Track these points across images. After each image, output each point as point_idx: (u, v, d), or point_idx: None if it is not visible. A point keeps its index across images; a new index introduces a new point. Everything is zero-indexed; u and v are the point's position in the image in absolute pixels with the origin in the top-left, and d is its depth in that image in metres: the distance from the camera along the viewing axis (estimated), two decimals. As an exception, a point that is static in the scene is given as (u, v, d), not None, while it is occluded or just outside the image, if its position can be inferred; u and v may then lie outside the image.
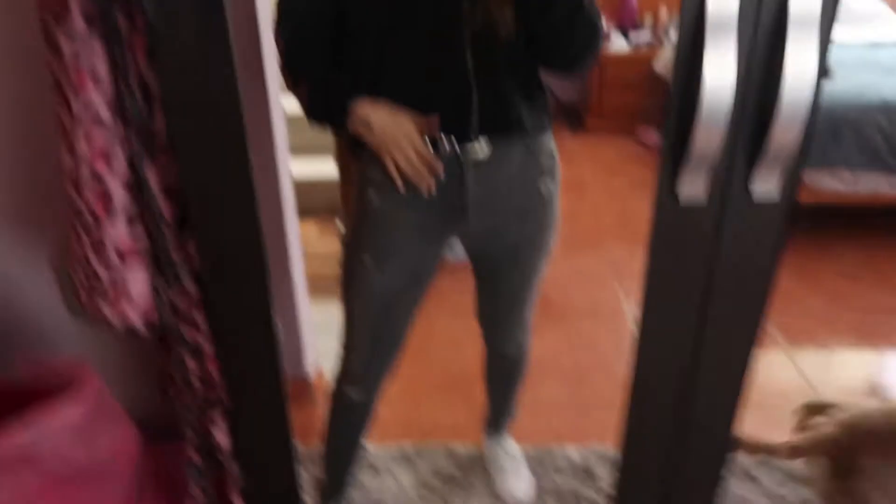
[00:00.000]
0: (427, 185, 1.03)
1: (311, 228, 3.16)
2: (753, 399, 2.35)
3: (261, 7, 1.50)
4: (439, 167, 1.02)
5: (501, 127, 1.09)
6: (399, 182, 1.04)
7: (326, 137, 2.80)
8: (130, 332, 1.12)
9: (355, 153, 1.14)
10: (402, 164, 1.00)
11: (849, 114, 2.80)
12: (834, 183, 2.94)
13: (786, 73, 0.56)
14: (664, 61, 3.42)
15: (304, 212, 2.18)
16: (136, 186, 0.73)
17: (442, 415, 1.89)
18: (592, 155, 3.75)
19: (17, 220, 1.15)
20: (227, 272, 0.69)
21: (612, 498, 0.89)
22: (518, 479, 1.81)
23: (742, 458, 1.90)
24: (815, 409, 1.99)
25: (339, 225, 3.06)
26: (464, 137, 1.06)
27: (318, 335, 2.19)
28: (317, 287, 2.59)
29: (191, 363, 0.82)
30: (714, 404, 0.77)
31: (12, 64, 1.01)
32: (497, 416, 1.82)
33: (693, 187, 0.61)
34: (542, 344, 2.27)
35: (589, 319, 2.63)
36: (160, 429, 1.20)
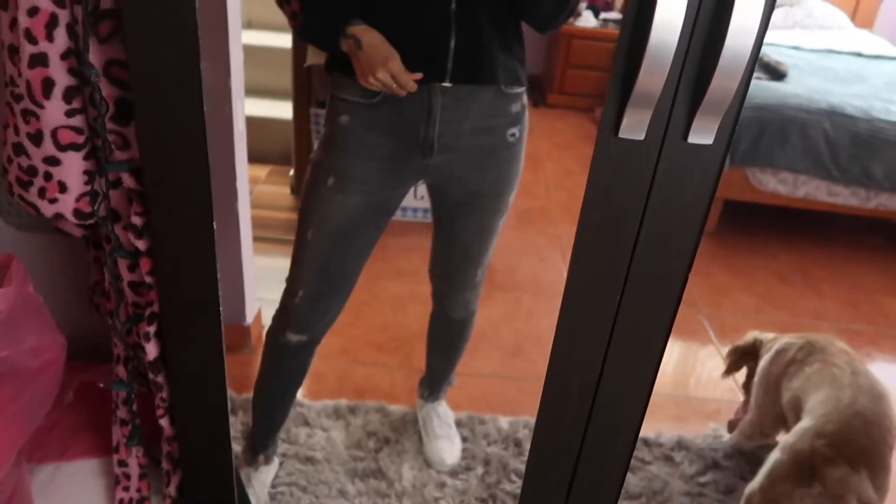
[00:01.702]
0: (404, 89, 1.07)
1: (261, 173, 3.10)
2: (680, 387, 2.44)
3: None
4: (414, 86, 1.06)
5: (475, 73, 1.12)
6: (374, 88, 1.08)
7: (284, 80, 2.74)
8: (61, 232, 1.09)
9: (333, 74, 1.17)
10: (382, 78, 1.04)
11: (797, 116, 2.89)
12: (776, 184, 3.04)
13: (732, 21, 0.58)
14: (629, 46, 3.46)
15: (257, 157, 2.14)
16: (77, 64, 0.70)
17: (379, 376, 1.89)
18: (550, 130, 3.78)
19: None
20: (168, 167, 0.67)
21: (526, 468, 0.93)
22: (450, 445, 1.83)
23: (664, 442, 1.97)
24: (740, 350, 2.05)
25: (291, 175, 3.01)
26: (437, 79, 1.09)
27: (259, 283, 2.16)
28: (261, 235, 2.56)
29: (123, 264, 0.80)
30: (634, 358, 0.80)
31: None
32: (436, 381, 1.83)
33: (634, 126, 0.63)
34: (482, 314, 2.29)
35: (530, 293, 2.67)
36: (86, 349, 1.18)
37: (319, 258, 1.27)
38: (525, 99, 1.24)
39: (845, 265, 3.09)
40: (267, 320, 2.25)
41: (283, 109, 2.86)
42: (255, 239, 2.07)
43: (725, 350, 2.06)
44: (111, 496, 1.06)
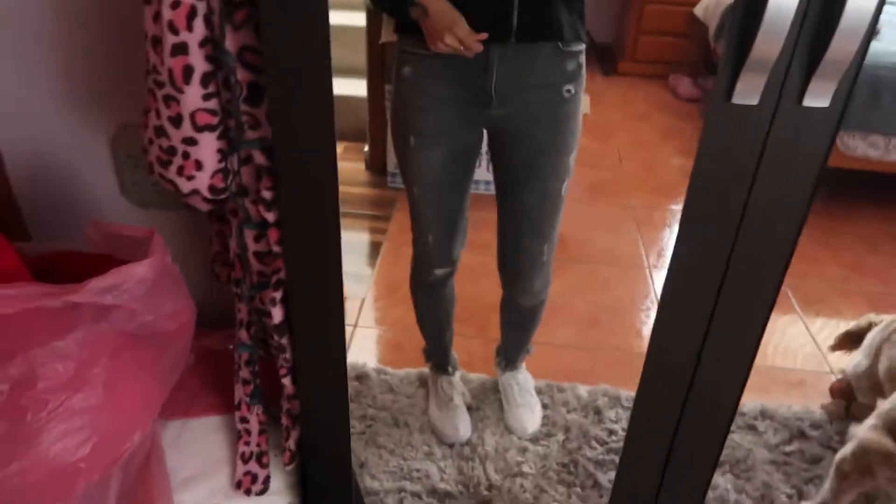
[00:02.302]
0: (471, 52, 1.14)
1: (339, 149, 3.19)
2: (763, 357, 2.40)
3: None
4: (480, 47, 1.13)
5: (539, 31, 1.18)
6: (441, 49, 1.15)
7: (359, 58, 2.80)
8: (188, 207, 1.18)
9: (400, 33, 1.26)
10: (450, 42, 1.11)
11: (890, 76, 2.75)
12: (866, 148, 2.91)
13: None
14: (705, 6, 3.35)
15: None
16: (213, 51, 0.76)
17: (456, 345, 1.95)
18: (622, 100, 3.72)
19: (77, 105, 1.19)
20: (297, 143, 0.73)
21: (624, 435, 0.96)
22: (530, 413, 1.88)
23: (746, 412, 1.96)
24: (854, 334, 2.03)
25: (366, 151, 3.08)
26: (502, 39, 1.16)
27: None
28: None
29: (250, 235, 0.87)
30: (738, 326, 0.81)
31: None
32: (511, 352, 1.89)
33: (748, 91, 0.64)
34: (556, 286, 2.31)
35: (605, 265, 2.66)
36: (203, 318, 1.27)
37: (431, 207, 1.43)
38: (582, 58, 1.28)
39: (940, 232, 2.94)
40: (348, 292, 2.34)
41: (357, 87, 2.93)
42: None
43: (810, 321, 2.02)
44: (233, 449, 1.15)
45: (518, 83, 1.23)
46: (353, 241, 2.82)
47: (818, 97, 0.64)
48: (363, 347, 2.23)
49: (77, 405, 0.77)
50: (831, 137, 0.66)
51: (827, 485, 1.59)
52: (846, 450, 1.54)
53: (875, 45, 2.83)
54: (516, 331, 1.81)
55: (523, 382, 1.92)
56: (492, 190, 2.83)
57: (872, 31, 0.61)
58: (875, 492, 1.68)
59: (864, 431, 1.50)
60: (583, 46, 1.27)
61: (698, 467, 0.95)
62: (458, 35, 1.11)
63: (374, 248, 2.78)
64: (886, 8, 2.98)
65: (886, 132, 2.83)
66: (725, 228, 0.73)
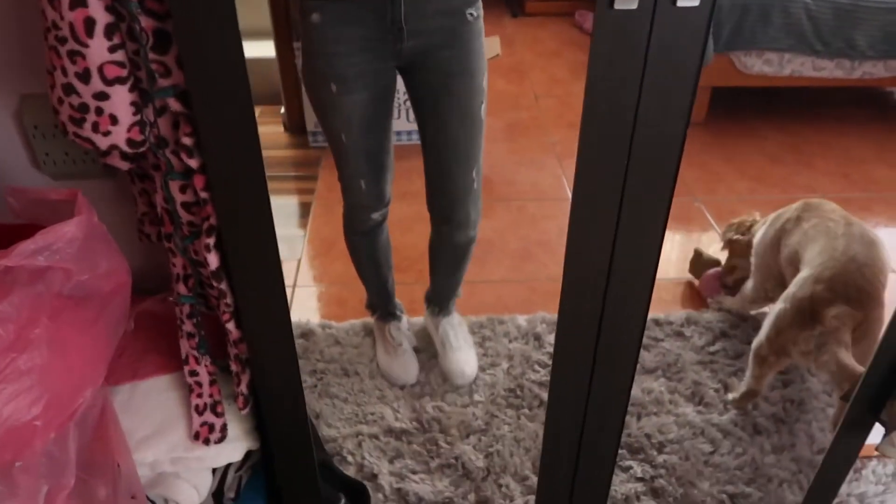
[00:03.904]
0: None
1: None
2: (685, 272, 2.54)
3: None
4: None
5: None
6: None
7: (262, 18, 2.74)
8: (108, 171, 1.17)
9: None
10: None
11: (778, -5, 2.89)
12: (761, 66, 3.07)
13: None
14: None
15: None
16: (113, 3, 0.76)
17: (398, 293, 2.00)
18: (532, 39, 3.78)
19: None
20: (212, 85, 0.75)
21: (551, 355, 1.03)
22: (467, 357, 1.91)
23: (673, 321, 2.10)
24: (736, 227, 2.15)
25: (283, 113, 3.04)
26: None
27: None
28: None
29: (175, 186, 0.89)
30: (643, 221, 0.88)
31: None
32: (442, 297, 1.92)
33: (628, -3, 0.70)
34: (487, 225, 2.39)
35: (532, 200, 2.75)
36: (142, 284, 1.28)
37: (360, 151, 1.45)
38: None
39: (834, 138, 3.16)
40: (283, 254, 2.34)
41: (265, 49, 2.87)
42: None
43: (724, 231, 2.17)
44: (187, 404, 1.18)
45: (424, 11, 1.28)
46: (282, 205, 2.81)
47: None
48: (305, 306, 2.25)
49: (23, 366, 0.79)
50: (704, 35, 0.73)
51: (748, 372, 1.74)
52: (761, 336, 1.68)
53: (763, -33, 2.92)
54: (448, 272, 1.84)
55: (457, 326, 1.96)
56: (414, 139, 2.85)
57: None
58: (787, 370, 1.85)
59: (773, 316, 1.64)
60: None
61: (621, 369, 1.03)
62: None
63: (304, 209, 2.77)
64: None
65: (779, 48, 2.99)
66: (621, 131, 0.80)
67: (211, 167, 0.81)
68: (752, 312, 2.08)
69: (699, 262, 2.29)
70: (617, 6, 0.71)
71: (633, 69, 0.75)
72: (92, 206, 0.94)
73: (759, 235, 1.94)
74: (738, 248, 2.08)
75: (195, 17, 0.71)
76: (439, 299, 1.93)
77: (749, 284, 2.01)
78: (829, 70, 3.08)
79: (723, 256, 2.22)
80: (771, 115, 3.35)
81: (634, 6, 0.71)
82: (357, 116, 1.39)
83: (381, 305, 1.94)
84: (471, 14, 1.33)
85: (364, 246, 1.75)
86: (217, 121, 0.77)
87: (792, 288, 1.63)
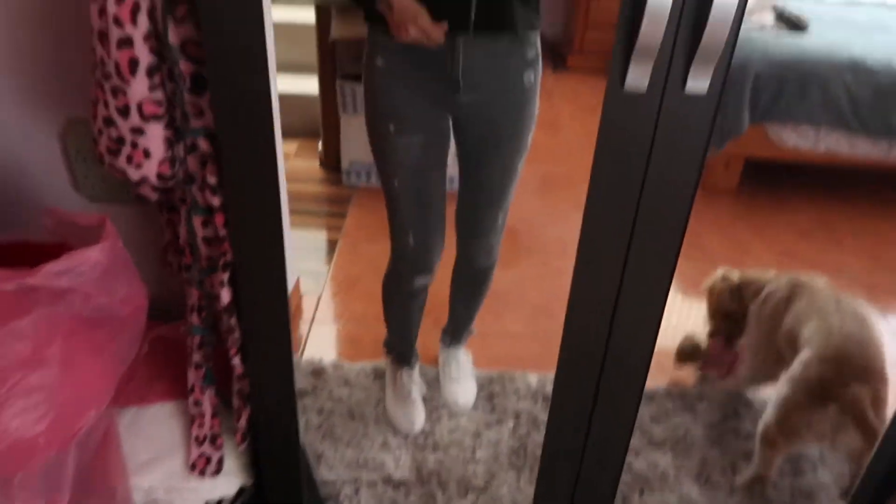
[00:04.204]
0: (434, 41, 1.21)
1: (291, 149, 3.21)
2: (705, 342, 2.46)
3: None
4: (442, 38, 1.21)
5: (494, 22, 1.27)
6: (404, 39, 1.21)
7: (309, 55, 2.82)
8: (132, 202, 1.21)
9: (370, 23, 1.34)
10: (413, 34, 1.19)
11: (818, 70, 2.88)
12: (796, 139, 3.05)
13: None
14: None
15: (285, 132, 2.24)
16: (157, 45, 0.81)
17: (413, 338, 2.01)
18: (571, 94, 3.81)
19: (24, 100, 1.22)
20: (238, 129, 0.78)
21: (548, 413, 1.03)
22: (464, 388, 1.93)
23: (687, 393, 2.07)
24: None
25: (320, 149, 3.12)
26: (462, 28, 1.24)
27: (295, 254, 2.28)
28: (295, 208, 2.65)
29: (198, 221, 0.92)
30: (644, 293, 0.89)
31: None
32: (458, 328, 1.94)
33: (638, 79, 0.72)
34: (509, 276, 2.39)
35: (557, 256, 2.75)
36: (155, 310, 1.31)
37: (414, 199, 1.46)
38: (539, 47, 1.38)
39: (867, 219, 3.11)
40: (305, 289, 2.37)
41: (308, 85, 2.95)
42: (289, 212, 2.19)
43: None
44: (188, 434, 1.19)
45: (482, 70, 1.32)
46: (310, 239, 2.85)
47: (698, 83, 0.72)
48: (320, 343, 2.26)
49: (35, 383, 0.81)
50: (711, 121, 0.75)
51: (756, 456, 1.70)
52: (768, 420, 1.64)
53: (803, 42, 2.97)
54: (466, 298, 1.86)
55: (462, 360, 1.98)
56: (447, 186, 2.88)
57: (740, 22, 0.70)
58: (798, 457, 1.80)
59: (780, 399, 1.60)
60: (538, 36, 1.38)
61: (619, 428, 1.02)
62: (420, 26, 1.18)
63: (331, 246, 2.81)
64: (814, 7, 3.10)
65: (815, 123, 2.97)
66: (625, 207, 0.81)
67: (231, 206, 0.84)
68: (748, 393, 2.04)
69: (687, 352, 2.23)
70: (627, 87, 0.73)
71: (639, 149, 0.77)
72: (121, 230, 0.98)
73: (752, 312, 1.91)
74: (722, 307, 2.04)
75: (229, 66, 0.75)
76: (453, 328, 1.94)
77: (746, 365, 1.97)
78: (865, 149, 3.04)
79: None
80: (804, 190, 3.31)
81: (645, 87, 0.73)
82: (411, 159, 1.41)
83: (400, 349, 1.92)
84: (528, 78, 1.36)
85: (402, 304, 1.74)
86: (240, 164, 0.81)
87: (796, 369, 1.60)
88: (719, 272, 2.06)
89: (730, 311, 2.00)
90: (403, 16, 1.18)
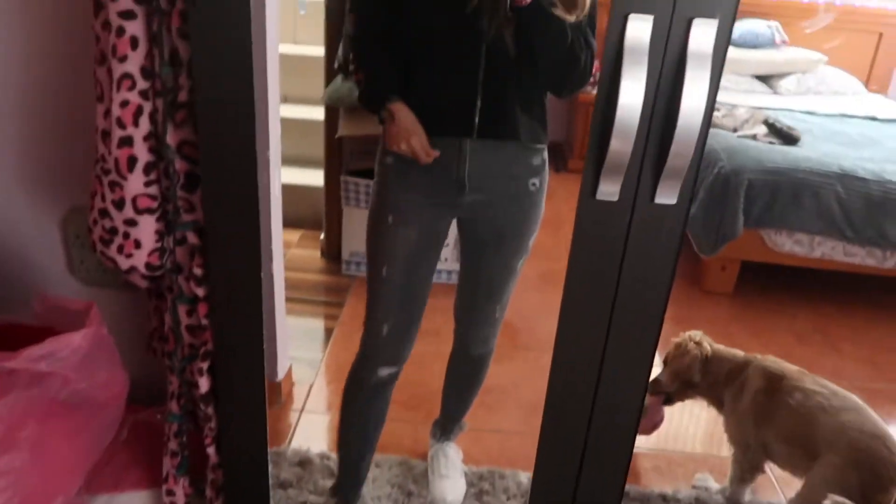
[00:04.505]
0: (421, 162, 1.28)
1: (294, 238, 3.28)
2: (708, 446, 2.43)
3: (269, 30, 1.65)
4: (435, 155, 1.28)
5: (498, 131, 1.32)
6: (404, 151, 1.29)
7: (317, 149, 2.93)
8: (122, 287, 1.24)
9: (383, 128, 1.38)
10: (405, 149, 1.27)
11: (809, 179, 2.94)
12: (792, 245, 3.08)
13: (683, 102, 0.71)
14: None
15: (289, 222, 2.29)
16: (156, 144, 0.87)
17: (403, 431, 1.98)
18: (570, 194, 3.89)
19: (31, 187, 1.28)
20: (226, 226, 0.82)
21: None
22: (453, 485, 1.87)
23: (681, 499, 2.01)
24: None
25: (322, 239, 3.18)
26: (465, 134, 1.30)
27: (291, 342, 2.28)
28: (293, 296, 2.68)
29: (182, 310, 0.95)
30: (621, 392, 0.90)
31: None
32: (449, 421, 1.90)
33: (609, 189, 0.76)
34: (504, 372, 2.37)
35: (551, 352, 2.74)
36: (138, 394, 1.32)
37: (397, 290, 1.45)
38: (545, 154, 1.42)
39: (865, 324, 3.10)
40: (298, 376, 2.37)
41: (314, 177, 3.05)
42: (287, 300, 2.21)
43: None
44: (159, 524, 1.17)
45: (488, 174, 1.36)
46: (307, 328, 2.86)
47: (667, 195, 0.76)
48: (309, 433, 2.22)
49: (3, 466, 0.81)
50: (681, 231, 0.78)
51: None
52: None
53: (795, 152, 3.06)
54: (460, 388, 1.83)
55: (451, 456, 1.92)
56: (443, 279, 2.91)
57: (705, 138, 0.74)
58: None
59: None
60: (545, 145, 1.42)
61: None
62: (412, 145, 1.26)
63: (327, 334, 2.81)
64: (805, 117, 3.22)
65: (810, 231, 3.01)
66: (600, 310, 0.83)
67: (214, 298, 0.87)
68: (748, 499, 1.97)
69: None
70: (599, 196, 0.77)
71: (612, 257, 0.80)
72: (110, 314, 1.01)
73: (728, 406, 1.86)
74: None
75: (222, 167, 0.80)
76: (445, 420, 1.90)
77: (735, 467, 1.91)
78: (860, 257, 3.07)
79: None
80: (800, 294, 3.31)
81: (615, 198, 0.77)
82: (404, 250, 1.43)
83: (346, 490, 1.76)
84: (533, 184, 1.40)
85: (360, 402, 1.64)
86: (226, 258, 0.84)
87: (827, 475, 1.56)
88: (696, 334, 2.00)
89: (691, 380, 1.94)
90: (400, 130, 1.26)
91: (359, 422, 1.68)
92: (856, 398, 1.66)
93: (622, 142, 0.72)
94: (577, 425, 0.90)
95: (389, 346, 1.54)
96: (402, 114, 1.27)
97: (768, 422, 1.75)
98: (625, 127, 0.72)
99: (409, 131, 1.26)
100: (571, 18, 1.19)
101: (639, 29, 0.71)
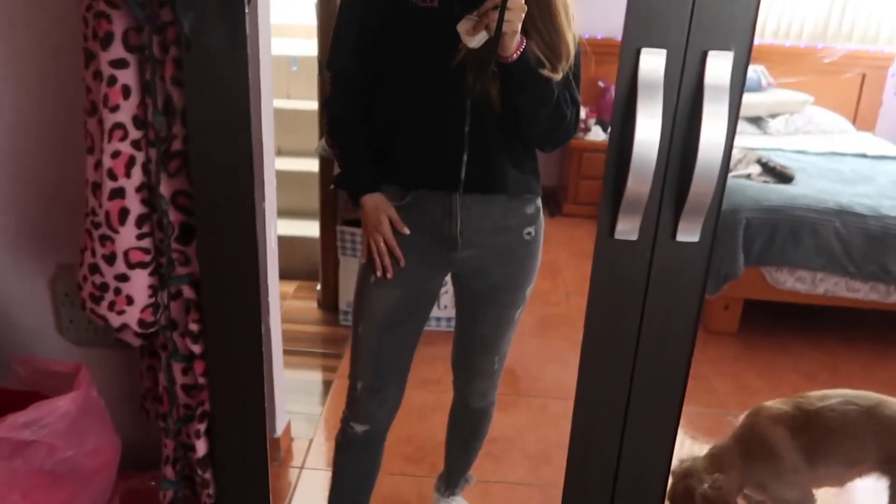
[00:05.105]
0: (385, 268, 1.30)
1: (290, 289, 3.23)
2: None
3: (263, 85, 1.64)
4: (400, 256, 1.30)
5: (485, 185, 1.29)
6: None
7: (312, 201, 2.93)
8: (113, 347, 1.19)
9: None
10: (370, 243, 1.30)
11: (807, 216, 2.95)
12: (794, 282, 3.07)
13: (702, 136, 0.69)
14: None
15: (285, 273, 2.26)
16: (149, 196, 0.83)
17: (406, 485, 1.91)
18: (567, 239, 3.90)
19: (18, 243, 1.24)
20: (223, 279, 0.78)
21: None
22: None
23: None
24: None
25: (318, 290, 3.14)
26: (452, 188, 1.27)
27: (289, 396, 2.22)
28: (290, 349, 2.63)
29: (177, 368, 0.89)
30: (648, 443, 0.85)
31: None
32: (453, 475, 1.84)
33: (628, 229, 0.72)
34: (508, 421, 2.31)
35: (556, 398, 2.67)
36: (131, 459, 1.25)
37: (371, 349, 1.42)
38: (539, 203, 1.39)
39: (873, 361, 3.05)
40: (296, 433, 2.30)
41: (310, 228, 3.03)
42: (285, 352, 2.15)
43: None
44: None
45: (480, 227, 1.32)
46: (305, 381, 2.79)
47: (689, 233, 0.73)
48: (310, 489, 2.14)
49: (-20, 548, 0.75)
50: (705, 269, 0.74)
51: None
52: None
53: (791, 190, 3.08)
54: (462, 441, 1.76)
55: None
56: (443, 326, 2.86)
57: (726, 173, 0.71)
58: None
59: None
60: (537, 198, 1.39)
61: None
62: (377, 244, 1.28)
63: (326, 387, 2.74)
64: (796, 156, 3.26)
65: (811, 267, 3.00)
66: (622, 355, 0.79)
67: (211, 355, 0.82)
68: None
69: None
70: (617, 236, 0.73)
71: (633, 300, 0.76)
72: (101, 375, 0.95)
73: (770, 479, 1.78)
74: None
75: (218, 217, 0.76)
76: (448, 474, 1.83)
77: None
78: (863, 292, 3.05)
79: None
80: (806, 331, 3.27)
81: (635, 237, 0.73)
82: (382, 311, 1.39)
83: None
84: (528, 234, 1.36)
85: (343, 457, 1.57)
86: (224, 313, 0.80)
87: None
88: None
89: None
90: (369, 221, 1.29)
91: (343, 479, 1.61)
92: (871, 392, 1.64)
93: (640, 178, 0.69)
94: (602, 480, 0.84)
95: (361, 404, 1.47)
96: (375, 212, 1.29)
97: (814, 450, 1.68)
98: (642, 163, 0.69)
99: (377, 222, 1.28)
100: (558, 77, 1.18)
101: (652, 63, 0.69)
